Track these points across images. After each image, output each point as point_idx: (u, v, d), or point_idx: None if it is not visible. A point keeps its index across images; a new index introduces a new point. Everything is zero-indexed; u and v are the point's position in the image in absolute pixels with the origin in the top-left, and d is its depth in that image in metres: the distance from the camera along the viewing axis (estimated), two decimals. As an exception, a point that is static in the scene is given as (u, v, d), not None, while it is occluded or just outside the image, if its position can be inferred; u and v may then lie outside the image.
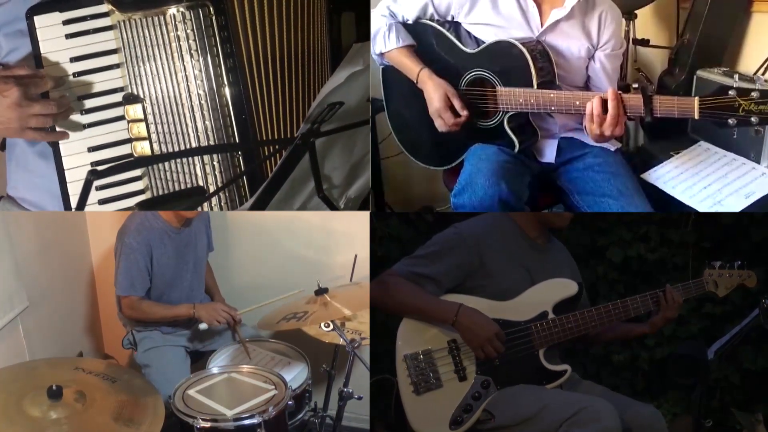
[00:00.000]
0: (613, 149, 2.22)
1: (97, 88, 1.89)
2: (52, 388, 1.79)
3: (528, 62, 2.07)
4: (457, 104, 2.14)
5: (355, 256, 2.54)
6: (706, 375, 1.87)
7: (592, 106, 1.94)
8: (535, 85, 2.08)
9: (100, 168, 1.53)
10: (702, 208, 2.03)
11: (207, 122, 1.89)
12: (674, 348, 2.64)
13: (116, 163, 1.84)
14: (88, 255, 3.05)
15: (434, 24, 2.24)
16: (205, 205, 1.91)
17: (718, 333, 2.02)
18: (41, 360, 2.34)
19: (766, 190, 2.04)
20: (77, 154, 1.88)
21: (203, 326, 2.45)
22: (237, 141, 1.91)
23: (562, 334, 1.92)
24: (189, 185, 1.91)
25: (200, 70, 1.87)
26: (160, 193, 1.93)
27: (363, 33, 2.22)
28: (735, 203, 2.02)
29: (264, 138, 1.95)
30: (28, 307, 2.46)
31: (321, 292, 2.25)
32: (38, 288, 2.56)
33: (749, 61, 2.43)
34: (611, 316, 1.95)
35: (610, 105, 1.92)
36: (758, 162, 2.14)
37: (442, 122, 2.16)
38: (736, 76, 2.18)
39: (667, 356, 2.70)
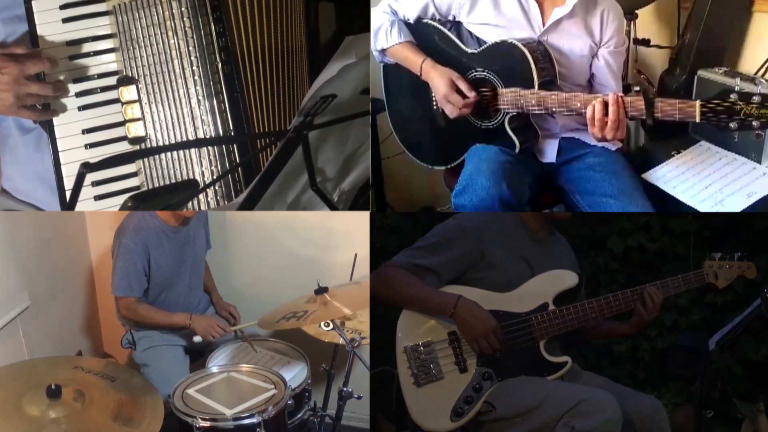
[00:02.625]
0: (614, 149, 2.21)
1: (92, 72, 1.91)
2: (51, 387, 1.79)
3: (529, 63, 2.06)
4: (463, 86, 2.13)
5: (355, 255, 2.53)
6: (707, 366, 1.87)
7: (594, 109, 1.93)
8: (536, 86, 2.07)
9: (93, 161, 1.52)
10: (703, 208, 2.03)
11: (200, 97, 1.92)
12: (675, 338, 2.64)
13: (109, 156, 1.86)
14: (87, 254, 3.05)
15: (436, 24, 2.24)
16: (201, 197, 1.93)
17: (720, 323, 2.03)
18: (40, 359, 2.33)
19: (766, 190, 2.03)
20: (71, 136, 1.90)
21: (197, 339, 2.46)
22: (230, 119, 1.94)
23: (563, 326, 1.93)
24: (183, 174, 1.93)
25: (194, 47, 1.91)
26: (155, 181, 1.94)
27: (342, 25, 2.24)
28: (736, 203, 2.02)
29: (258, 125, 1.98)
30: (28, 306, 2.46)
31: (321, 291, 2.24)
32: (37, 287, 2.55)
33: (750, 61, 2.43)
34: (612, 308, 1.96)
35: (611, 109, 1.91)
36: (759, 162, 2.13)
37: (451, 107, 2.15)
38: (738, 79, 2.18)
39: (667, 348, 2.70)
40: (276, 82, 2.01)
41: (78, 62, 1.90)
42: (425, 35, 2.26)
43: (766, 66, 2.30)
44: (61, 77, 1.87)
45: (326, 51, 2.21)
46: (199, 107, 1.92)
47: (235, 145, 1.95)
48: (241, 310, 2.69)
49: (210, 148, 1.93)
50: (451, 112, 2.17)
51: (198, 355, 2.60)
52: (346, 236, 2.81)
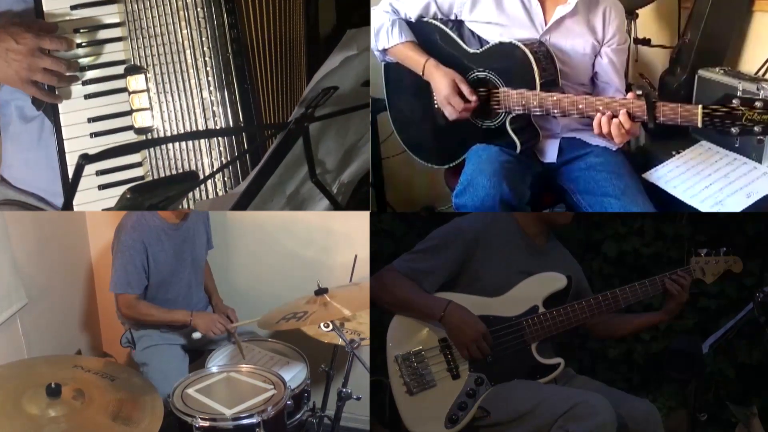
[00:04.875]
0: (614, 149, 2.21)
1: (100, 60, 1.91)
2: (51, 386, 1.79)
3: (531, 64, 2.06)
4: (465, 90, 2.13)
5: (355, 257, 2.53)
6: (701, 370, 1.88)
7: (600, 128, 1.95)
8: (537, 87, 2.07)
9: (97, 151, 1.50)
10: (703, 207, 2.03)
11: (212, 88, 1.92)
12: (669, 342, 2.65)
13: (110, 147, 1.84)
14: (86, 252, 3.04)
15: (437, 23, 2.24)
16: (202, 188, 1.92)
17: (713, 327, 2.04)
18: (40, 357, 2.33)
19: (766, 190, 2.03)
20: (77, 124, 1.89)
21: (197, 335, 2.45)
22: (240, 110, 1.93)
23: (554, 328, 1.94)
24: (190, 165, 1.93)
25: (207, 38, 1.90)
26: (160, 172, 1.93)
27: (342, 18, 2.24)
28: (736, 203, 2.02)
29: (266, 117, 1.98)
30: (27, 305, 2.45)
31: (321, 292, 2.24)
32: (37, 285, 2.55)
33: (750, 61, 2.43)
34: (601, 308, 1.97)
35: (623, 119, 1.92)
36: (759, 162, 2.13)
37: (451, 109, 2.15)
38: (740, 82, 2.18)
39: (662, 352, 2.71)
40: (281, 73, 2.01)
41: (86, 50, 1.89)
42: (426, 34, 2.25)
43: (766, 66, 2.30)
44: (76, 61, 1.86)
45: (326, 44, 2.21)
46: (210, 98, 1.91)
47: (244, 137, 1.94)
48: (241, 311, 2.68)
49: (217, 139, 1.92)
50: (450, 114, 2.17)
51: (197, 355, 2.60)
52: (346, 237, 2.81)
